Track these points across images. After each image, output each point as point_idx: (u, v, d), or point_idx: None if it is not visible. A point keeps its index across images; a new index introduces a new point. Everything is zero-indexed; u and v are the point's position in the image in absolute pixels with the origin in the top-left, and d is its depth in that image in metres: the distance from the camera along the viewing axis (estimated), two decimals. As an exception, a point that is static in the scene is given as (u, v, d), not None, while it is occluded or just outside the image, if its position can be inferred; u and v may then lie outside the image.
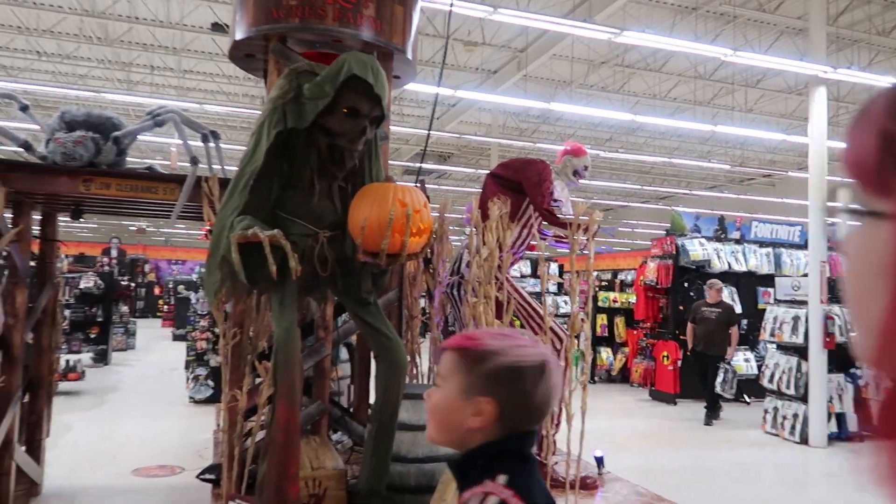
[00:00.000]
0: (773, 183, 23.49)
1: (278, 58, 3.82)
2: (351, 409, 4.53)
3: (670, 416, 8.39)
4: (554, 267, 12.89)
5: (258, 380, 3.14)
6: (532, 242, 4.40)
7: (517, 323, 3.93)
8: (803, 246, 10.26)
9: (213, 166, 3.46)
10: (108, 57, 14.17)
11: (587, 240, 3.73)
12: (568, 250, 4.39)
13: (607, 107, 13.51)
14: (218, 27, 12.48)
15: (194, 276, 18.86)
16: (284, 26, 3.71)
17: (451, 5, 3.51)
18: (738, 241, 9.84)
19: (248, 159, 2.66)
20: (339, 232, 2.74)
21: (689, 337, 7.95)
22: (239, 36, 3.84)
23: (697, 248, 9.17)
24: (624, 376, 11.01)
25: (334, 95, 2.51)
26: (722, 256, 9.37)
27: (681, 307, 9.14)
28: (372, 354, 2.85)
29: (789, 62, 7.34)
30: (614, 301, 11.27)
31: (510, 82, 13.55)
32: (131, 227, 28.03)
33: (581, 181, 4.21)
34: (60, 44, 13.56)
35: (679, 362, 8.86)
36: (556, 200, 3.98)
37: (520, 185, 3.96)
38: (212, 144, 3.44)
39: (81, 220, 4.21)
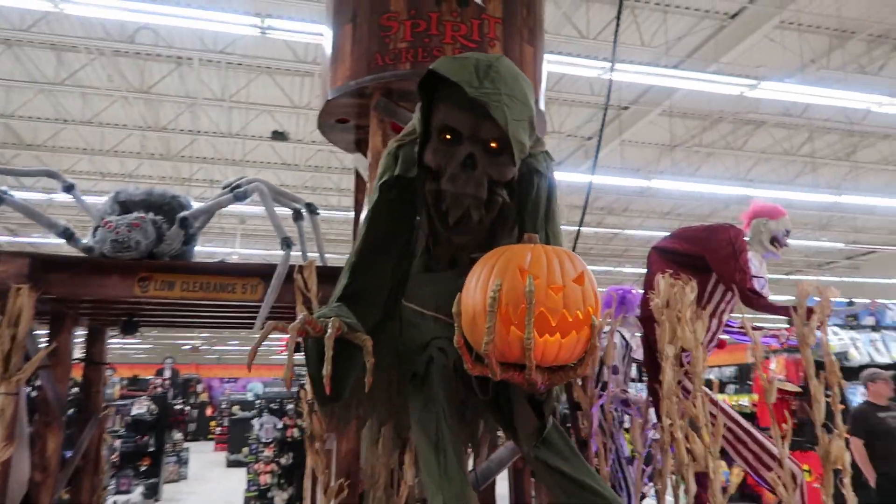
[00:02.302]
0: (858, 265, 21.84)
1: (383, 115, 3.00)
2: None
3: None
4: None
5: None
6: (723, 337, 3.38)
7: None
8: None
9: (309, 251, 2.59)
10: (170, 173, 14.11)
11: (819, 328, 2.70)
12: (774, 344, 3.33)
13: (689, 190, 12.62)
14: (278, 135, 12.28)
15: (249, 395, 18.00)
16: (392, 74, 2.89)
17: (612, 70, 2.67)
18: (874, 328, 8.48)
19: (359, 230, 1.76)
20: None
21: (860, 457, 5.33)
22: (332, 95, 3.07)
23: (832, 339, 7.85)
24: (743, 493, 9.47)
25: (426, 114, 1.57)
26: (860, 347, 8.00)
27: (820, 410, 7.71)
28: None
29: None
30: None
31: (576, 172, 12.87)
32: (185, 347, 27.68)
33: (782, 251, 3.21)
34: (123, 161, 13.57)
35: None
36: (755, 277, 2.97)
37: (702, 261, 2.98)
38: (307, 223, 2.59)
39: (137, 334, 3.34)
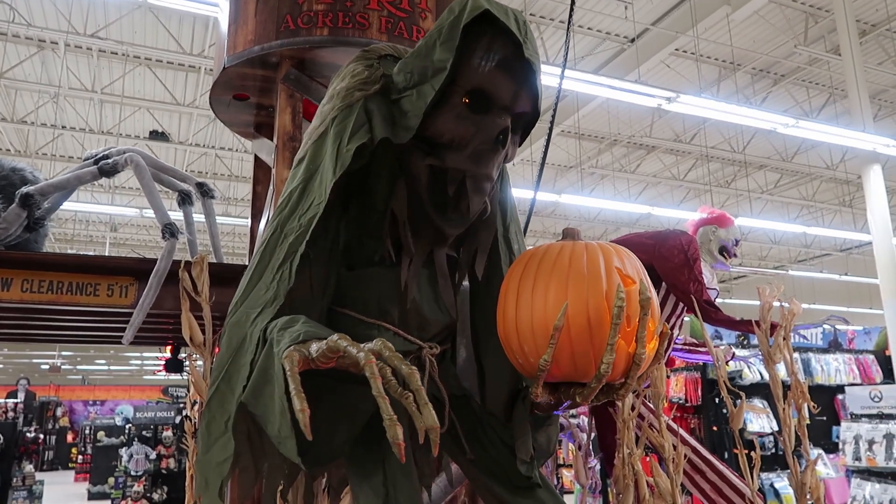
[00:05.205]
0: (730, 289, 23.27)
1: (294, 90, 2.52)
2: None
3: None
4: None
5: None
6: (674, 354, 3.13)
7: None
8: (827, 349, 9.36)
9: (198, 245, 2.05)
10: (27, 171, 12.61)
11: (783, 345, 2.48)
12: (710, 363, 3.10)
13: (574, 215, 12.88)
14: (158, 135, 11.26)
15: (117, 420, 16.43)
16: (306, 40, 2.40)
17: (562, 77, 2.37)
18: (762, 347, 8.81)
19: (291, 208, 1.20)
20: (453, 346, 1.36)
21: None
22: (230, 62, 2.54)
23: (730, 361, 8.04)
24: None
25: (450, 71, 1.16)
26: (752, 366, 8.24)
27: (714, 427, 7.82)
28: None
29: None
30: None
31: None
32: (44, 366, 25.02)
33: (732, 262, 3.00)
34: (-31, 156, 11.98)
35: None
36: (708, 289, 2.73)
37: (650, 270, 2.71)
38: (196, 210, 2.05)
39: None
